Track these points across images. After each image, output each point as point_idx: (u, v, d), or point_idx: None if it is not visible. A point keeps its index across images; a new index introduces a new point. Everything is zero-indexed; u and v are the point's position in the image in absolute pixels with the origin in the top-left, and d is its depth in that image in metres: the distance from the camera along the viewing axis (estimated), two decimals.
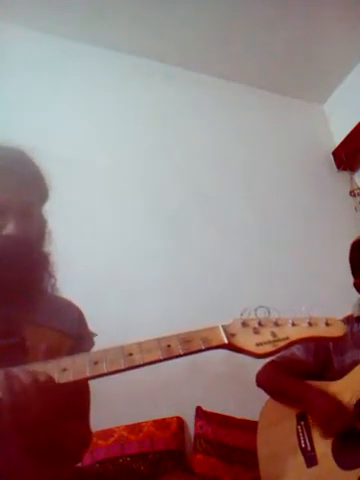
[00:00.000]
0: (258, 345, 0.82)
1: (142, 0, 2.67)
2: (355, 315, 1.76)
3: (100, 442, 1.88)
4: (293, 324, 0.85)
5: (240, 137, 3.06)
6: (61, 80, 2.67)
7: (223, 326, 0.86)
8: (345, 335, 0.86)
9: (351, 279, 1.84)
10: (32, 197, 1.10)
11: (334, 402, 1.55)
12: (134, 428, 1.95)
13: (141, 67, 2.93)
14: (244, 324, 0.85)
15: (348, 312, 1.81)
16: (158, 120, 2.85)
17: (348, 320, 1.76)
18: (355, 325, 1.74)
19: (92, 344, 1.15)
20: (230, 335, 0.84)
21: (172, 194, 2.66)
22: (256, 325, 0.85)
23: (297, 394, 1.64)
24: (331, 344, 1.73)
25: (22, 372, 0.80)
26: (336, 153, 3.27)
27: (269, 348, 0.82)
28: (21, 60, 2.57)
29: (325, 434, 1.53)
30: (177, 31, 2.86)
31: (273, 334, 0.83)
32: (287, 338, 0.83)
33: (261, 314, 0.85)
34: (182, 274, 2.44)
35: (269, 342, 0.82)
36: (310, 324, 0.85)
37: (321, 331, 0.85)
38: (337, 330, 0.85)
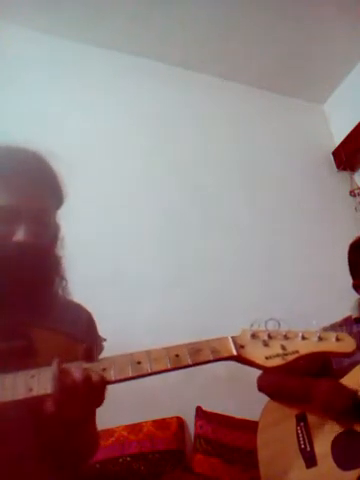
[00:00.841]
0: (267, 358, 0.81)
1: (142, 0, 2.67)
2: (354, 316, 1.77)
3: (100, 442, 1.88)
4: (303, 338, 0.84)
5: (240, 137, 3.06)
6: (61, 80, 2.66)
7: (233, 337, 0.85)
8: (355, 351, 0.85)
9: (350, 280, 1.85)
10: (47, 202, 1.07)
11: (333, 382, 1.57)
12: (134, 428, 1.95)
13: (141, 67, 2.92)
14: (254, 336, 0.84)
15: (347, 313, 1.82)
16: (158, 120, 2.84)
17: (347, 321, 1.77)
18: (354, 326, 1.75)
19: (101, 348, 1.13)
20: (239, 346, 0.83)
21: (172, 194, 2.66)
22: (266, 337, 0.84)
23: (297, 387, 1.65)
24: None
25: (76, 369, 0.81)
26: (336, 153, 3.27)
27: (278, 361, 0.80)
28: (21, 60, 2.56)
29: (330, 415, 1.52)
30: (177, 31, 2.86)
31: (283, 347, 0.82)
32: (297, 352, 0.82)
33: (271, 326, 0.85)
34: (181, 274, 2.43)
35: (278, 355, 0.81)
36: (320, 338, 0.84)
37: (331, 346, 0.83)
38: (347, 346, 0.84)
